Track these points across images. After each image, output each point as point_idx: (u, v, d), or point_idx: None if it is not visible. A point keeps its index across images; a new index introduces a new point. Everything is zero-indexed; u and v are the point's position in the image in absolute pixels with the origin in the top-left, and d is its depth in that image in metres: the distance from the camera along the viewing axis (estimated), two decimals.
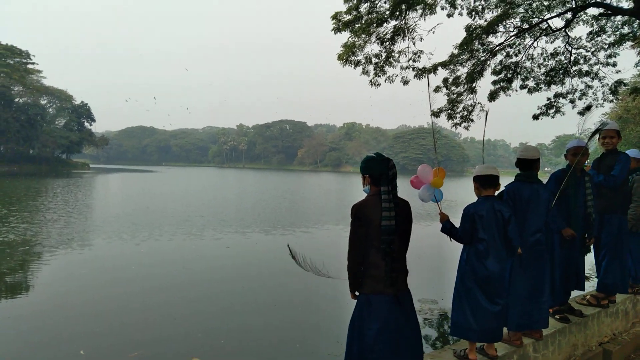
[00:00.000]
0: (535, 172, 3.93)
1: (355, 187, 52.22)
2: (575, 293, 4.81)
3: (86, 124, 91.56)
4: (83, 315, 7.66)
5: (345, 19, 10.13)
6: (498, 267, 3.35)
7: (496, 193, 3.64)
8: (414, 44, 10.09)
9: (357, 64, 10.55)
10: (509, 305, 3.63)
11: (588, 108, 4.93)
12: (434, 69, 11.26)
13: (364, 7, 9.80)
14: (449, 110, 12.39)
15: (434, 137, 3.80)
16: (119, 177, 62.13)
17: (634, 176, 5.20)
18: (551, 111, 11.52)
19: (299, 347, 6.72)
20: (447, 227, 3.50)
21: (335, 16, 10.16)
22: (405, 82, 10.81)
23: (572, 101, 11.52)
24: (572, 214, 4.28)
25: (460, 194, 42.04)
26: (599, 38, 11.13)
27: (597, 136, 4.83)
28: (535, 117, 11.58)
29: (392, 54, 10.41)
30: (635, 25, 10.86)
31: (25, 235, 14.51)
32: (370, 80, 10.73)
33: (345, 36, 10.34)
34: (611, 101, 12.44)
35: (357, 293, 2.80)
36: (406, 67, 10.61)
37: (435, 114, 12.58)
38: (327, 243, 15.49)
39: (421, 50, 10.46)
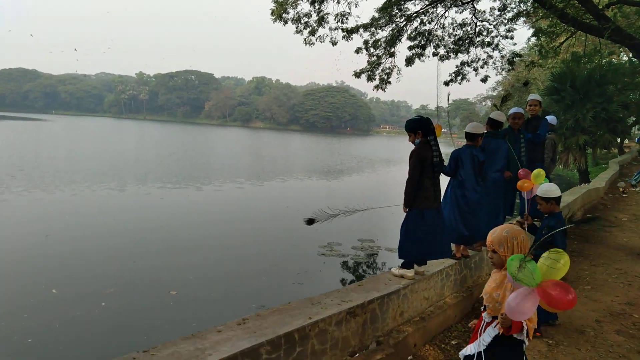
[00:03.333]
0: (500, 130, 5.49)
1: (273, 145, 52.12)
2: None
3: None
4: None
5: None
6: (473, 194, 4.69)
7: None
8: (349, 7, 10.47)
9: (287, 22, 10.73)
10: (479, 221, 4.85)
11: (505, 98, 6.33)
12: (355, 30, 11.78)
13: None
14: (369, 72, 13.12)
15: (449, 122, 4.52)
16: (6, 126, 54.97)
17: (547, 135, 6.67)
18: (459, 78, 12.76)
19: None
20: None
21: None
22: (334, 43, 11.25)
23: (475, 69, 12.83)
24: (510, 162, 5.58)
25: (369, 150, 44.34)
26: (499, 12, 12.33)
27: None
28: (446, 83, 12.71)
29: (323, 15, 10.73)
30: (529, 4, 12.23)
31: None
32: (305, 39, 10.98)
33: None
34: (508, 70, 14.10)
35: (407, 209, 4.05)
36: (335, 28, 11.04)
37: (357, 74, 13.28)
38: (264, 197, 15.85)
39: (349, 13, 10.91)
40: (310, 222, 3.78)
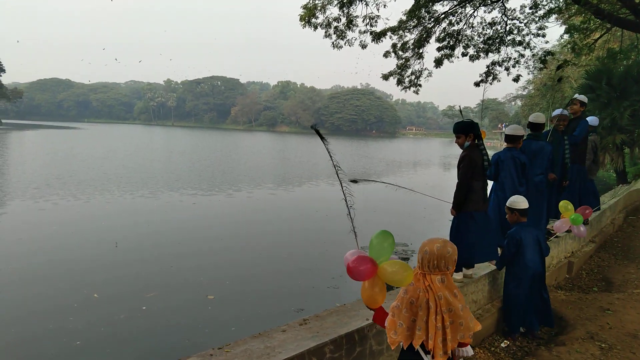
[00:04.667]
0: (541, 132, 5.48)
1: (300, 150, 52.34)
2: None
3: None
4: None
5: None
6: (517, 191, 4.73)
7: None
8: (377, 9, 10.56)
9: (317, 26, 10.89)
10: None
11: (560, 79, 6.43)
12: (383, 33, 11.83)
13: None
14: (398, 75, 13.15)
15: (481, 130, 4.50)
16: (42, 135, 57.27)
17: (589, 137, 6.65)
18: (489, 78, 12.65)
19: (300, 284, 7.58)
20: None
21: None
22: (364, 46, 11.35)
23: (507, 69, 12.67)
24: (555, 164, 5.57)
25: (395, 154, 44.13)
26: (530, 10, 12.14)
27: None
28: (477, 84, 12.61)
29: (352, 18, 10.85)
30: (562, 1, 12.01)
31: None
32: (333, 43, 11.12)
33: None
34: (541, 69, 13.88)
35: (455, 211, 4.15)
36: (364, 32, 11.13)
37: (385, 77, 13.33)
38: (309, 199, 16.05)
39: (378, 15, 11.00)
40: (354, 181, 3.87)
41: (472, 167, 4.02)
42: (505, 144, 5.12)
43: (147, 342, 5.69)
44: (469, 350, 2.07)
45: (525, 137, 5.31)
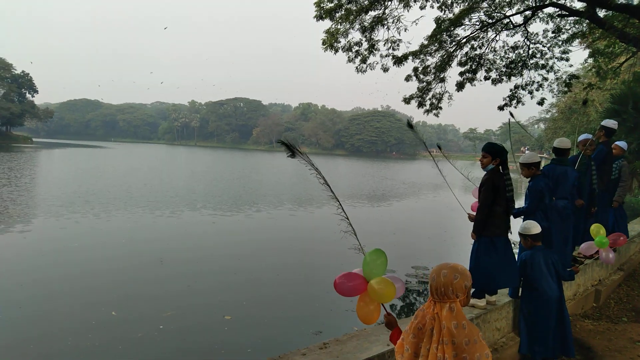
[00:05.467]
0: (566, 157, 5.36)
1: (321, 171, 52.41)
2: None
3: (27, 95, 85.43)
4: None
5: (327, 7, 10.59)
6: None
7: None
8: (399, 33, 10.72)
9: (337, 50, 11.11)
10: None
11: (585, 102, 6.38)
12: (405, 57, 11.94)
13: None
14: (419, 98, 13.22)
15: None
16: (70, 153, 59.04)
17: (620, 162, 6.55)
18: (513, 102, 12.59)
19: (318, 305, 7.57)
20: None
21: (318, 3, 10.59)
22: (385, 70, 11.49)
23: (530, 92, 12.61)
24: (582, 189, 5.54)
25: (415, 176, 43.90)
26: (553, 34, 12.12)
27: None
28: (500, 107, 12.55)
29: (373, 42, 11.03)
30: (585, 25, 11.98)
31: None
32: (357, 68, 11.30)
33: (325, 24, 10.82)
34: (565, 92, 13.75)
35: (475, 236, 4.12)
36: (386, 55, 11.30)
37: (406, 100, 13.41)
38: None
39: (400, 39, 11.16)
40: (410, 126, 3.96)
41: (493, 190, 3.99)
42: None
43: None
44: None
45: (548, 162, 5.27)
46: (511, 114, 5.78)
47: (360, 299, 2.45)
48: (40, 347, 5.75)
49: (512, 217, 4.32)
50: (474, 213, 4.27)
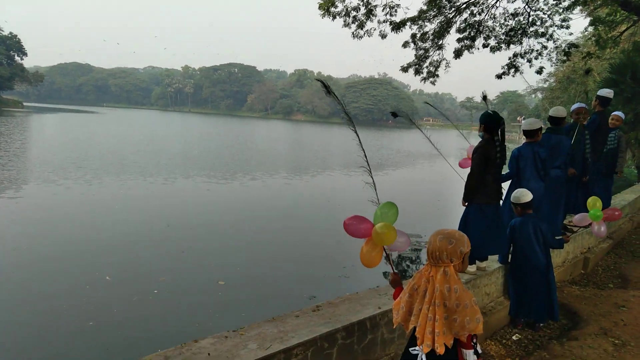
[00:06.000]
0: (561, 127, 5.40)
1: (317, 139, 52.46)
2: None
3: (17, 57, 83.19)
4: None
5: None
6: (534, 192, 4.51)
7: None
8: None
9: (335, 16, 10.81)
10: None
11: (587, 72, 6.32)
12: (403, 23, 11.68)
13: None
14: (417, 66, 13.01)
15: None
16: (61, 118, 58.19)
17: (617, 132, 6.54)
18: (512, 71, 12.41)
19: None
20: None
21: None
22: (383, 36, 11.24)
23: (529, 60, 12.42)
24: (574, 158, 5.55)
25: (411, 146, 43.84)
26: (554, 1, 11.85)
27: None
28: (499, 76, 12.37)
29: (371, 7, 10.74)
30: None
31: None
32: (353, 33, 11.04)
33: None
34: (564, 61, 13.56)
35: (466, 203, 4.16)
36: (384, 21, 11.03)
37: (404, 69, 13.20)
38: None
39: (398, 4, 10.87)
40: (394, 115, 3.97)
41: (484, 158, 3.99)
42: (524, 138, 5.08)
43: (159, 324, 5.79)
44: (469, 355, 2.05)
45: (544, 131, 5.25)
46: (484, 97, 5.30)
47: (366, 244, 2.62)
48: (33, 310, 5.78)
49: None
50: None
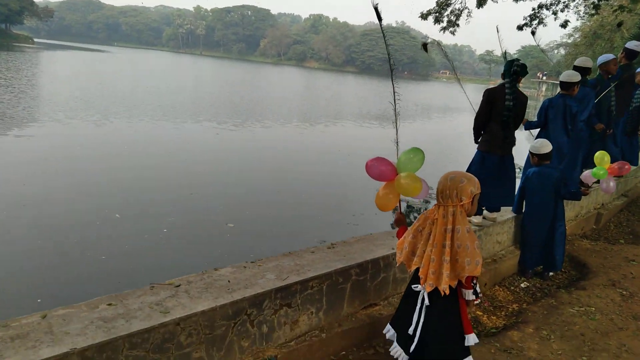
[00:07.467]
0: (587, 78, 5.22)
1: (331, 88, 51.58)
2: None
3: None
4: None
5: None
6: (560, 145, 4.72)
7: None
8: None
9: None
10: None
11: (619, 25, 5.98)
12: None
13: None
14: (437, 14, 12.43)
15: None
16: (72, 56, 57.39)
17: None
18: (535, 22, 11.79)
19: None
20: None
21: None
22: None
23: (554, 13, 11.77)
24: (601, 111, 5.47)
25: (427, 98, 42.97)
26: None
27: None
28: (520, 27, 11.75)
29: None
30: None
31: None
32: None
33: None
34: (592, 15, 12.87)
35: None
36: None
37: (424, 16, 12.63)
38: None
39: None
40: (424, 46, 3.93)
41: (488, 102, 3.89)
42: (560, 90, 4.93)
43: (170, 258, 5.93)
44: (468, 294, 2.10)
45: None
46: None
47: (385, 187, 2.58)
48: (45, 244, 5.93)
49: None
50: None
